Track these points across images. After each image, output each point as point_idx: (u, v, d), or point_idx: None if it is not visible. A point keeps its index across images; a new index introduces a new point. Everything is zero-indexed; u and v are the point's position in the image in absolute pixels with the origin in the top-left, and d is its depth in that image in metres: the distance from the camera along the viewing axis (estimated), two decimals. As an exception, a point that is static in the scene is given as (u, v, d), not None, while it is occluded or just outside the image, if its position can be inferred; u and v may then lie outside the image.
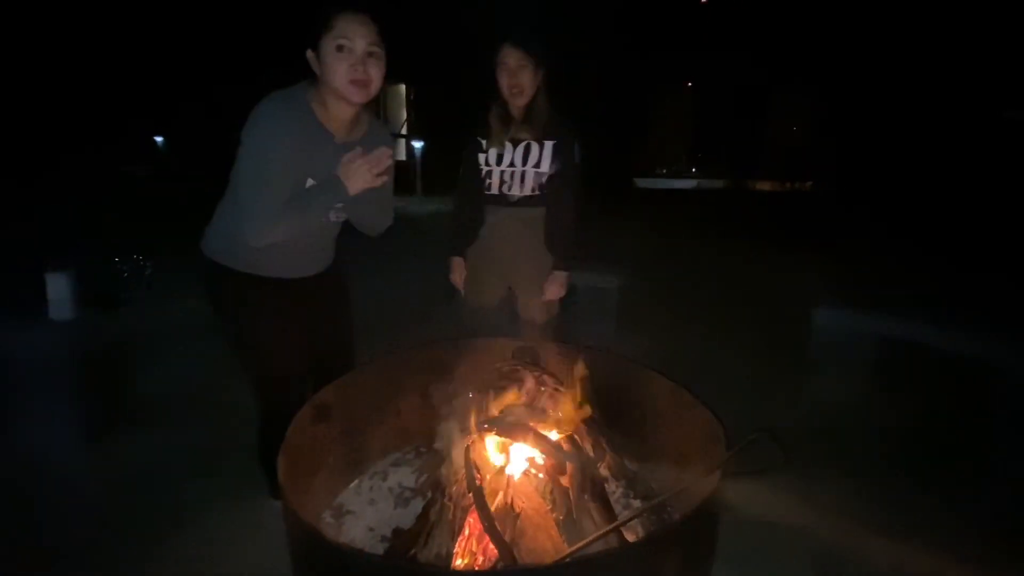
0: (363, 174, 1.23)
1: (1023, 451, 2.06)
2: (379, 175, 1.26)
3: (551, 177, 1.82)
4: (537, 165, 1.81)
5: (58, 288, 2.27)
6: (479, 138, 1.87)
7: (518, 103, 1.77)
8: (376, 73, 1.26)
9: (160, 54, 12.17)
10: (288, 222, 1.25)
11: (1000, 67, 10.07)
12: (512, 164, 1.82)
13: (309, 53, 1.26)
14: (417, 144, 10.70)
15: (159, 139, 12.92)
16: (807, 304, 2.80)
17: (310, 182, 1.29)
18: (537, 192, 1.85)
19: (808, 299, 2.84)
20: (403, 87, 14.30)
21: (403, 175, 11.51)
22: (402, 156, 13.99)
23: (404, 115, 14.33)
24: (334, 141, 1.32)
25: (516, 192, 1.84)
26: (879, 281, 4.49)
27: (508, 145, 1.82)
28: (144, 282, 3.24)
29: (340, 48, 1.21)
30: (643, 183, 11.33)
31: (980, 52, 9.82)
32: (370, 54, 1.24)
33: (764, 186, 11.81)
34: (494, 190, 1.86)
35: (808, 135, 12.73)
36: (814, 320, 2.74)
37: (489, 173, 1.86)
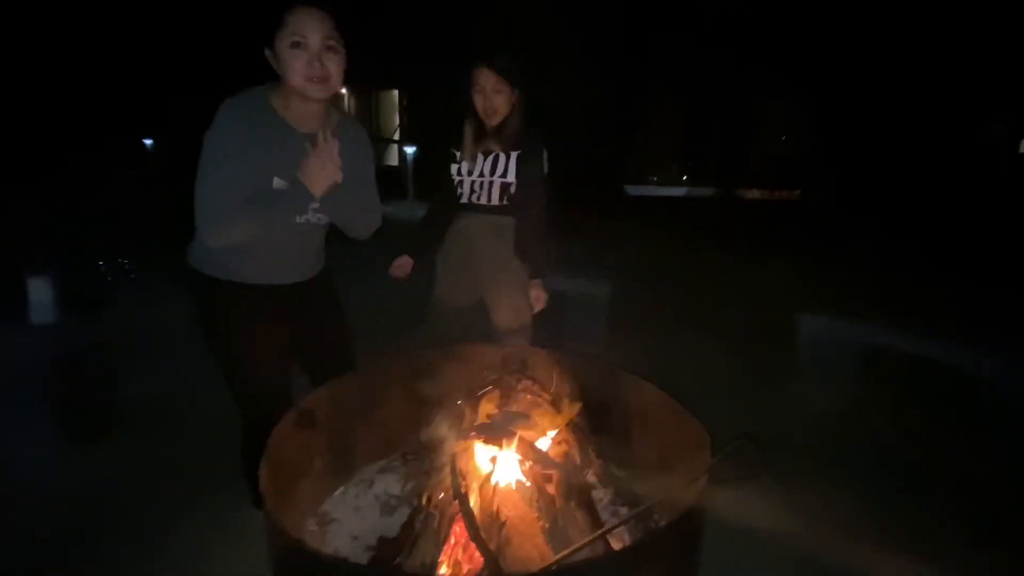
0: (322, 169, 1.19)
1: (1009, 459, 2.09)
2: (337, 167, 1.22)
3: (517, 187, 1.86)
4: (503, 175, 1.85)
5: (39, 291, 2.24)
6: (454, 150, 1.92)
7: (492, 122, 1.82)
8: (334, 67, 1.23)
9: (149, 56, 12.10)
10: (248, 221, 1.22)
11: (981, 82, 10.32)
12: (481, 174, 1.87)
13: (267, 52, 1.24)
14: (409, 150, 10.69)
15: (148, 142, 12.81)
16: (795, 312, 2.83)
17: (277, 181, 1.26)
18: (506, 202, 1.89)
19: (796, 307, 2.87)
20: (396, 93, 14.34)
21: (395, 180, 11.51)
22: (394, 161, 14.00)
23: (397, 121, 14.35)
24: (297, 133, 1.28)
25: (485, 201, 1.89)
26: (866, 290, 4.55)
27: (479, 156, 1.87)
28: (128, 285, 3.21)
29: (295, 45, 1.19)
30: (634, 190, 11.41)
31: (965, 65, 10.06)
32: (327, 48, 1.21)
33: (753, 194, 11.96)
34: (465, 199, 1.92)
35: (797, 144, 12.92)
36: (802, 328, 2.78)
37: (460, 183, 1.91)
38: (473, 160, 1.88)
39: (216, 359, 1.41)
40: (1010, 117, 11.24)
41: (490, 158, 1.87)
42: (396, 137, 14.05)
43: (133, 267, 3.31)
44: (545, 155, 1.87)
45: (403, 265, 1.99)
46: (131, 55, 11.85)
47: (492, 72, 1.74)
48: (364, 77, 13.53)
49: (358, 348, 1.60)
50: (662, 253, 5.90)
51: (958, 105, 10.64)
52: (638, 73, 11.28)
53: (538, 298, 1.89)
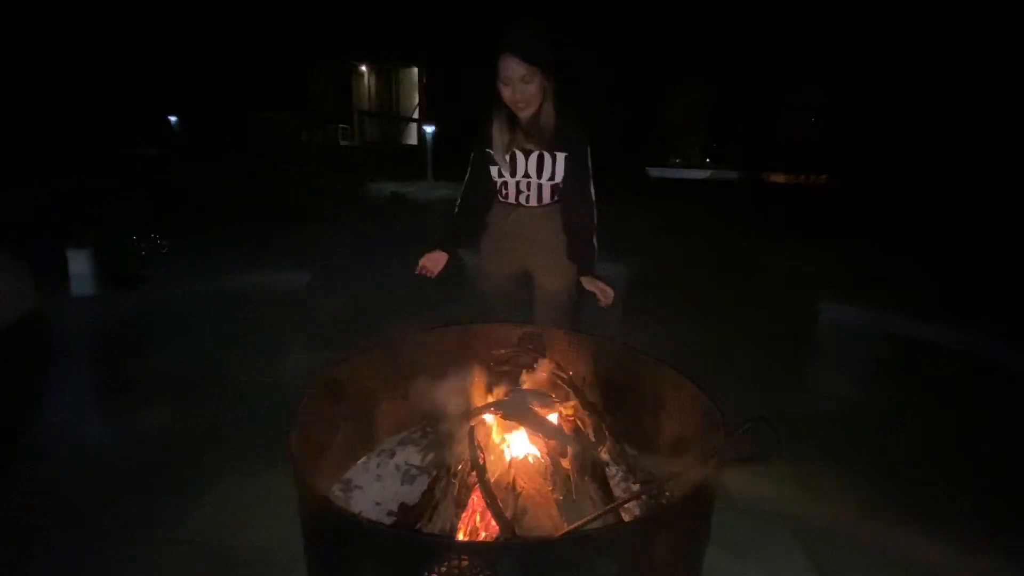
0: None
1: (1015, 455, 2.07)
2: None
3: (564, 185, 1.75)
4: (552, 178, 1.74)
5: (79, 264, 2.34)
6: (488, 150, 1.78)
7: (524, 115, 1.67)
8: None
9: (175, 36, 12.20)
10: None
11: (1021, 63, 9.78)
12: (527, 175, 1.74)
13: None
14: (428, 129, 10.64)
15: (173, 119, 13.00)
16: (816, 299, 2.80)
17: None
18: (556, 199, 1.80)
19: (817, 294, 2.84)
20: (415, 71, 14.25)
21: (414, 160, 11.52)
22: (413, 140, 13.99)
23: (416, 99, 14.28)
24: None
25: (535, 203, 1.79)
26: (889, 278, 4.46)
27: (519, 155, 1.73)
28: (161, 259, 3.33)
29: None
30: (655, 172, 11.22)
31: (1000, 46, 9.55)
32: None
33: (778, 178, 11.65)
34: (511, 199, 1.81)
35: (825, 128, 12.51)
36: (821, 314, 2.75)
37: (504, 184, 1.78)
38: (513, 160, 1.73)
39: None
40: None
41: (533, 157, 1.71)
42: (415, 116, 14.00)
43: (165, 242, 3.43)
44: (588, 150, 1.73)
45: (436, 259, 1.81)
46: (158, 32, 11.96)
47: (519, 60, 1.56)
48: (384, 54, 13.46)
49: (385, 323, 1.63)
50: (683, 237, 5.84)
51: (999, 87, 10.13)
52: (661, 52, 10.98)
53: (603, 291, 1.69)
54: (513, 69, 1.57)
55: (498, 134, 1.71)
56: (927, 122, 10.23)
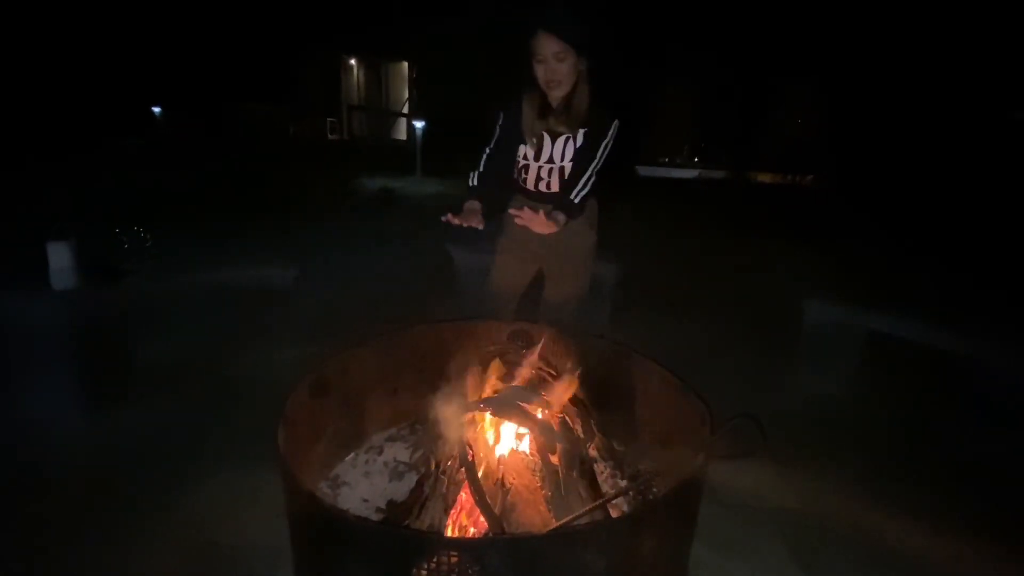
0: None
1: (1006, 446, 2.12)
2: None
3: (576, 152, 1.69)
4: (573, 158, 1.69)
5: (60, 257, 2.29)
6: (519, 127, 1.71)
7: (556, 94, 1.62)
8: None
9: (160, 26, 11.96)
10: None
11: (1008, 66, 10.00)
12: (551, 160, 1.70)
13: None
14: (418, 124, 10.58)
15: (157, 110, 12.76)
16: (802, 297, 2.84)
17: None
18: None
19: (804, 292, 2.88)
20: (405, 65, 14.13)
21: (403, 155, 11.43)
22: (403, 136, 13.89)
23: (406, 94, 14.17)
24: None
25: (555, 189, 1.73)
26: (875, 277, 4.53)
27: (547, 138, 1.69)
28: (144, 252, 3.27)
29: None
30: (644, 171, 11.28)
31: (987, 49, 9.74)
32: None
33: (765, 178, 11.79)
34: (530, 186, 1.76)
35: (811, 129, 12.66)
36: (808, 313, 2.78)
37: (526, 167, 1.74)
38: (540, 143, 1.69)
39: None
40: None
41: (560, 141, 1.67)
42: (405, 111, 13.90)
43: (149, 235, 3.38)
44: (615, 127, 1.65)
45: (474, 211, 1.65)
46: (143, 21, 11.71)
47: (554, 37, 1.53)
48: (372, 47, 13.33)
49: (372, 320, 1.62)
50: (671, 236, 5.88)
51: (982, 89, 10.34)
52: (649, 52, 11.02)
53: (534, 218, 1.50)
54: (547, 46, 1.54)
55: (528, 115, 1.67)
56: (915, 123, 10.41)
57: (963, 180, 9.43)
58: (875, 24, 10.02)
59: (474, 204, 1.67)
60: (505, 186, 1.80)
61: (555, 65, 1.56)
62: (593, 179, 1.65)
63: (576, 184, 1.63)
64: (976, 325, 2.51)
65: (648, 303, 3.52)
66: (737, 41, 10.95)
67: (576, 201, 1.61)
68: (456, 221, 1.58)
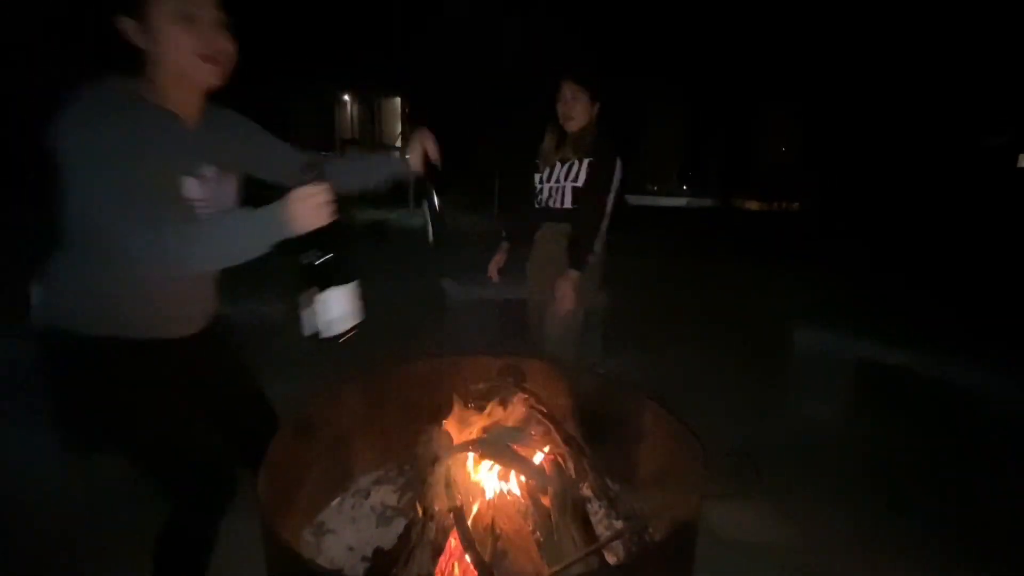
0: (315, 209, 0.92)
1: (998, 475, 2.10)
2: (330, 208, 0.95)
3: (583, 184, 1.98)
4: (575, 180, 1.98)
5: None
6: (537, 161, 2.11)
7: (570, 128, 1.99)
8: (230, 47, 1.01)
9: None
10: (216, 240, 0.92)
11: (981, 94, 10.41)
12: (557, 180, 2.02)
13: (127, 23, 0.95)
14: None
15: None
16: (792, 325, 2.85)
17: (191, 184, 1.01)
18: (577, 206, 2.01)
19: (793, 320, 2.89)
20: (398, 100, 14.46)
21: (396, 188, 11.51)
22: (395, 168, 14.05)
23: (399, 128, 14.45)
24: (181, 122, 1.02)
25: (558, 205, 2.02)
26: (863, 303, 4.57)
27: (558, 164, 2.03)
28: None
29: (184, 17, 0.94)
30: (633, 200, 11.47)
31: (962, 79, 10.15)
32: (220, 24, 0.99)
33: (752, 205, 12.02)
34: (542, 203, 2.07)
35: (796, 157, 13.00)
36: (798, 341, 2.79)
37: (540, 189, 2.07)
38: (552, 169, 2.04)
39: (129, 444, 1.09)
40: (1010, 128, 11.33)
41: (566, 165, 2.01)
42: (398, 145, 14.14)
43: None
44: (619, 164, 1.97)
45: (498, 262, 2.21)
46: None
47: (572, 82, 1.94)
48: (366, 83, 13.64)
49: (360, 355, 1.58)
50: (660, 264, 5.93)
51: (958, 117, 10.72)
52: (637, 82, 11.37)
53: (564, 295, 1.92)
54: (566, 88, 1.96)
55: (547, 144, 2.08)
56: (899, 150, 10.72)
57: (949, 204, 9.67)
58: (855, 56, 10.44)
59: (501, 255, 2.20)
60: (527, 208, 2.15)
61: (571, 103, 1.95)
62: (602, 232, 2.01)
63: (589, 234, 1.95)
64: (973, 351, 2.52)
65: (638, 332, 3.51)
66: (723, 72, 11.34)
67: (590, 260, 1.96)
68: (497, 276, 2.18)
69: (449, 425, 1.34)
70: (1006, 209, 9.46)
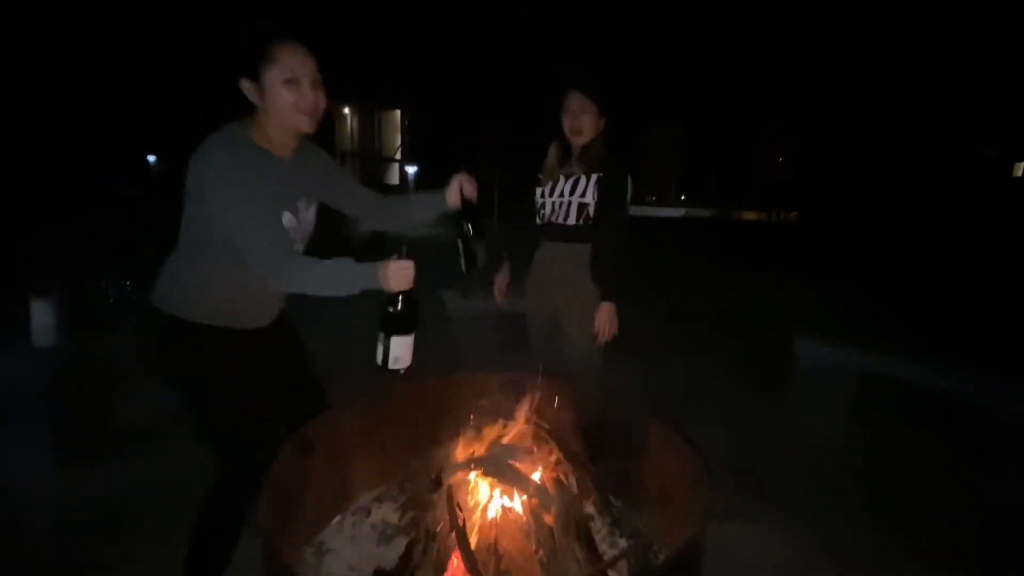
0: (406, 278, 1.18)
1: (1003, 489, 2.08)
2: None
3: (596, 209, 1.90)
4: (582, 196, 1.90)
5: (42, 314, 2.25)
6: (538, 174, 2.02)
7: (577, 142, 1.90)
8: (323, 100, 1.28)
9: (153, 75, 12.29)
10: (322, 277, 1.19)
11: (975, 105, 10.51)
12: (561, 195, 1.94)
13: (247, 85, 1.22)
14: (410, 169, 10.81)
15: (152, 159, 12.93)
16: (792, 337, 2.85)
17: (287, 217, 1.28)
18: (582, 223, 1.93)
19: (793, 332, 2.89)
20: (398, 113, 14.57)
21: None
22: (395, 180, 14.15)
23: (398, 140, 14.54)
24: (279, 161, 1.30)
25: (562, 221, 1.94)
26: (862, 314, 4.57)
27: (561, 178, 1.94)
28: (131, 306, 3.23)
29: (289, 81, 1.21)
30: (631, 211, 11.49)
31: (955, 89, 10.25)
32: (316, 83, 1.25)
33: (750, 215, 12.06)
34: (545, 219, 1.98)
35: (793, 167, 13.07)
36: (799, 353, 2.78)
37: (543, 204, 1.98)
38: (555, 183, 1.95)
39: (205, 410, 1.36)
40: (1003, 139, 11.43)
41: (571, 180, 1.93)
42: (398, 157, 14.22)
43: (134, 289, 3.34)
44: (629, 180, 1.92)
45: (502, 282, 2.11)
46: (136, 70, 12.01)
47: (580, 93, 1.86)
48: (366, 96, 13.76)
49: (359, 371, 1.59)
50: (659, 276, 5.93)
51: (953, 127, 10.81)
52: (635, 93, 11.46)
53: (604, 322, 1.87)
54: (573, 100, 1.88)
55: (551, 158, 1.98)
56: (895, 160, 10.79)
57: (938, 214, 9.72)
58: (852, 66, 10.55)
59: (503, 277, 2.09)
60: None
61: (578, 115, 1.86)
62: (618, 248, 1.92)
63: (613, 259, 1.90)
64: (972, 362, 2.52)
65: (637, 344, 3.50)
66: (719, 83, 11.45)
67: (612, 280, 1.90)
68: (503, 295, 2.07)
69: (451, 443, 1.33)
70: (1003, 218, 9.51)
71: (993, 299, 5.17)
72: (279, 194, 1.26)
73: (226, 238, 1.18)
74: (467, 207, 1.38)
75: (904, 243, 8.34)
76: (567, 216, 1.93)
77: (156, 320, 1.31)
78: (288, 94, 1.21)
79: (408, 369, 1.26)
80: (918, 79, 10.25)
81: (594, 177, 1.89)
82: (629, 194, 1.92)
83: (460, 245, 1.33)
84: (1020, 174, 12.20)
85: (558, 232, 1.95)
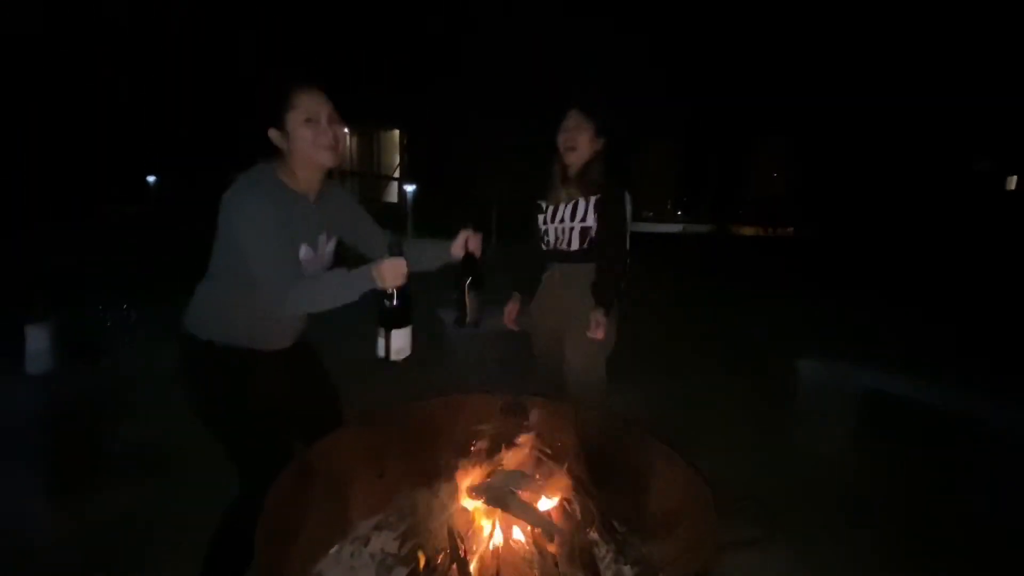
0: (399, 273, 1.27)
1: (1006, 508, 2.04)
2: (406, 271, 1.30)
3: (597, 231, 1.89)
4: (583, 220, 1.89)
5: (37, 340, 2.22)
6: (539, 200, 2.01)
7: (571, 159, 1.89)
8: (341, 135, 1.39)
9: (154, 95, 12.42)
10: (323, 293, 1.29)
11: (967, 120, 10.66)
12: (562, 220, 1.93)
13: (273, 132, 1.35)
14: (409, 188, 10.89)
15: (152, 179, 13.01)
16: (793, 354, 2.83)
17: (305, 250, 1.37)
18: (587, 247, 1.92)
19: (793, 349, 2.87)
20: (396, 132, 14.71)
21: (395, 217, 11.66)
22: (394, 199, 14.22)
23: (397, 159, 14.67)
24: (305, 200, 1.41)
25: (566, 247, 1.94)
26: (860, 329, 4.56)
27: (562, 204, 1.94)
28: (128, 331, 3.19)
29: (309, 121, 1.33)
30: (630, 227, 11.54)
31: (951, 107, 10.41)
32: (333, 120, 1.37)
33: (747, 231, 12.12)
34: (550, 246, 1.98)
35: (789, 182, 13.18)
36: (800, 371, 2.76)
37: (546, 231, 1.98)
38: (556, 208, 1.95)
39: (223, 426, 1.44)
40: (996, 153, 11.57)
41: (571, 204, 1.92)
42: (396, 175, 14.32)
43: (133, 312, 3.31)
44: (628, 199, 1.90)
45: (512, 311, 2.10)
46: (136, 88, 12.13)
47: (577, 111, 1.87)
48: (365, 115, 13.92)
49: (358, 393, 1.58)
50: (657, 293, 5.92)
51: (946, 143, 10.94)
52: (632, 109, 11.61)
53: (596, 327, 1.84)
54: (570, 117, 1.88)
55: (550, 180, 1.97)
56: (891, 175, 10.89)
57: (933, 227, 9.78)
58: (847, 82, 10.71)
59: (513, 305, 2.09)
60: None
61: (573, 132, 1.86)
62: (624, 269, 1.91)
63: (614, 278, 1.87)
64: (975, 380, 2.49)
65: (637, 363, 3.47)
66: (716, 99, 11.60)
67: (616, 299, 1.87)
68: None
69: (451, 469, 1.31)
70: (997, 231, 9.57)
71: (989, 312, 5.17)
72: (298, 228, 1.36)
73: (246, 268, 1.30)
74: (469, 262, 1.42)
75: (900, 257, 8.37)
76: (571, 242, 1.93)
77: (183, 340, 1.43)
78: (308, 132, 1.32)
79: (408, 359, 1.32)
80: (912, 93, 10.40)
81: (593, 200, 1.89)
82: (629, 213, 1.90)
83: (456, 297, 1.40)
84: (1013, 187, 12.33)
85: (565, 257, 1.95)
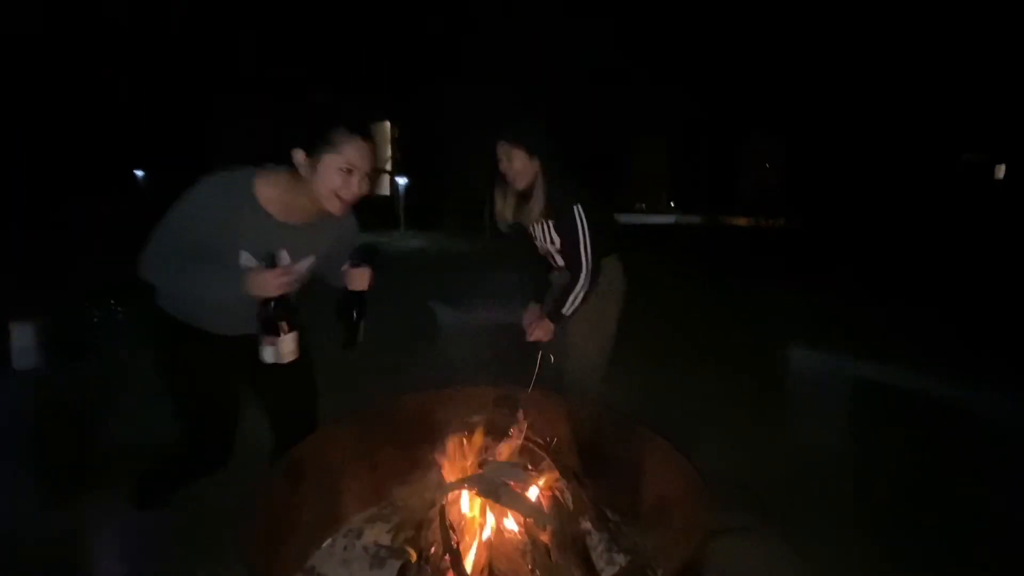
0: (266, 284, 1.25)
1: (1008, 496, 2.06)
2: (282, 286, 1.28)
3: (561, 245, 1.94)
4: (553, 243, 1.95)
5: (23, 336, 2.19)
6: (522, 223, 2.02)
7: (519, 185, 1.91)
8: (366, 191, 1.34)
9: (143, 87, 12.24)
10: (182, 276, 1.30)
11: (958, 110, 10.73)
12: (543, 240, 1.99)
13: (300, 156, 1.27)
14: (401, 181, 10.83)
15: (140, 173, 12.84)
16: (785, 345, 2.84)
17: (245, 256, 1.33)
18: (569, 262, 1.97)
19: (786, 340, 2.89)
20: (388, 124, 14.60)
21: (387, 211, 11.58)
22: (386, 192, 14.12)
23: (389, 152, 14.56)
24: (274, 220, 1.34)
25: (556, 263, 2.00)
26: (852, 320, 4.60)
27: (533, 224, 1.97)
28: (114, 326, 3.15)
29: (345, 171, 1.27)
30: (623, 219, 11.58)
31: (940, 97, 10.47)
32: (366, 177, 1.32)
33: (740, 222, 12.19)
34: (547, 260, 2.05)
35: (781, 173, 13.24)
36: (793, 362, 2.78)
37: (539, 247, 2.03)
38: (532, 226, 1.99)
39: (171, 394, 1.51)
40: (986, 143, 11.67)
41: (539, 226, 1.96)
42: (388, 168, 14.23)
43: (119, 308, 3.27)
44: (577, 211, 1.85)
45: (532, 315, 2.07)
46: (125, 82, 11.96)
47: (505, 142, 1.87)
48: (357, 108, 13.80)
49: (352, 386, 1.56)
50: (650, 284, 5.94)
51: (937, 134, 11.01)
52: (625, 102, 11.59)
53: (540, 329, 1.89)
54: (501, 149, 1.89)
55: (501, 206, 2.00)
56: (881, 165, 10.96)
57: (922, 216, 9.87)
58: (839, 76, 10.74)
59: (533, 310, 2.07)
60: (538, 268, 2.11)
61: (508, 162, 1.87)
62: (586, 284, 1.87)
63: (569, 293, 1.87)
64: (970, 369, 2.50)
65: (629, 355, 3.49)
66: (709, 93, 11.60)
67: (567, 314, 1.88)
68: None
69: (444, 461, 1.31)
70: (988, 218, 9.66)
71: (982, 300, 5.23)
72: (248, 236, 1.31)
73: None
74: (357, 296, 1.45)
75: (892, 246, 8.43)
76: (556, 259, 1.99)
77: (154, 311, 1.48)
78: (338, 180, 1.27)
79: (293, 361, 1.35)
80: (902, 85, 10.45)
81: (551, 223, 1.92)
82: (585, 226, 1.86)
83: (343, 324, 1.45)
84: (1002, 175, 12.45)
85: (560, 269, 2.00)
